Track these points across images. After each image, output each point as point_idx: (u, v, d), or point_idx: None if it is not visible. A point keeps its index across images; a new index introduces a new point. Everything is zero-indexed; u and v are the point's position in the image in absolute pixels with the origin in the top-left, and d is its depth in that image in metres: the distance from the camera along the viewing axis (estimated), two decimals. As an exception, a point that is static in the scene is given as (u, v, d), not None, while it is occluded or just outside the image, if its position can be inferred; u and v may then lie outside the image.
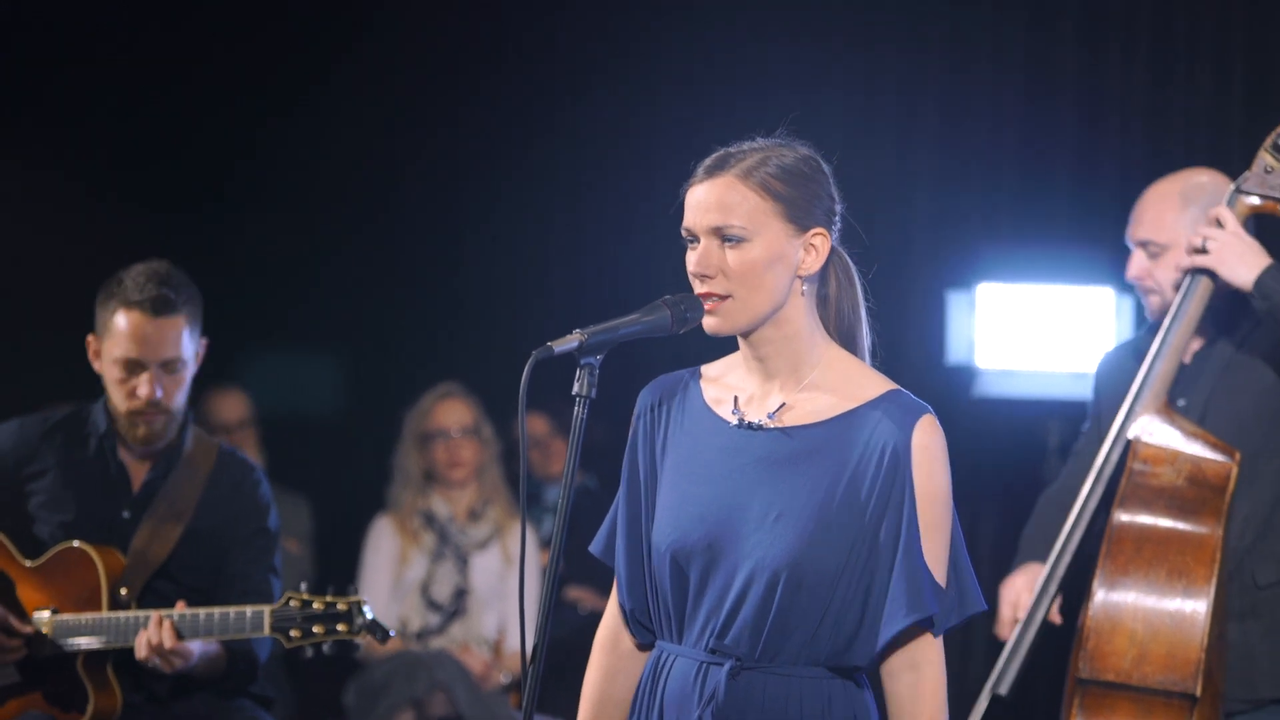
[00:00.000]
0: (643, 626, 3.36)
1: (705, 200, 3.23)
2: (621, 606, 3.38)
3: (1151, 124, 7.07)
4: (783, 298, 3.23)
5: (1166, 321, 4.70)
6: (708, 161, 3.26)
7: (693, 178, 3.27)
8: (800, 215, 3.22)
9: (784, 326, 3.25)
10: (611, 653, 3.44)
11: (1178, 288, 4.71)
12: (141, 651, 4.54)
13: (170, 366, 4.72)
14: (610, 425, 7.86)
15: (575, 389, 3.19)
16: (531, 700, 3.04)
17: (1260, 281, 4.54)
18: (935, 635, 3.18)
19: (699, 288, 3.24)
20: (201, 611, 4.58)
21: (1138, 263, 4.86)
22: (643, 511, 3.37)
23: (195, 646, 4.58)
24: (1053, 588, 4.73)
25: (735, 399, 3.31)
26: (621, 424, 7.97)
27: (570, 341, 3.17)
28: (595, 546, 3.45)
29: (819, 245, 3.24)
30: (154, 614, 4.56)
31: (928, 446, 3.18)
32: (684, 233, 3.27)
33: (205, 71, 8.03)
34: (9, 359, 7.75)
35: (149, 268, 4.75)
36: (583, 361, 3.18)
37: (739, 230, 3.20)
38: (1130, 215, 4.90)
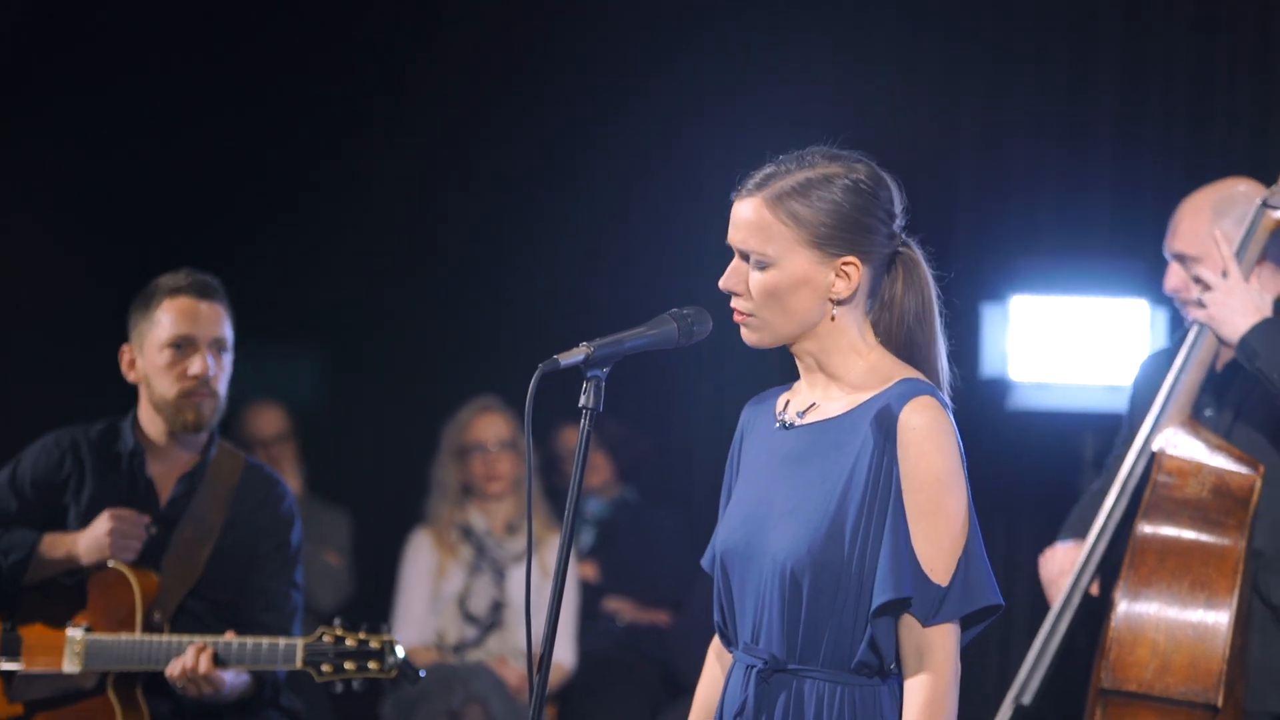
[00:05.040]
0: (724, 635, 3.38)
1: (737, 219, 3.25)
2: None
3: (1189, 135, 7.04)
4: (811, 319, 3.23)
5: (1179, 361, 4.69)
6: (754, 176, 3.26)
7: (737, 190, 3.27)
8: (830, 243, 3.20)
9: (820, 341, 3.25)
10: (714, 663, 3.46)
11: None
12: (174, 671, 4.57)
13: (218, 347, 4.78)
14: (657, 439, 7.93)
15: (582, 401, 3.20)
16: (539, 707, 3.05)
17: (1243, 341, 4.51)
18: (927, 624, 3.12)
19: (732, 301, 3.26)
20: (235, 640, 4.62)
21: (1175, 274, 4.84)
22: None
23: (228, 677, 4.61)
24: (1076, 598, 4.73)
25: (786, 403, 3.34)
26: (665, 439, 7.98)
27: (576, 355, 3.19)
28: (703, 561, 3.44)
29: (850, 273, 3.21)
30: (196, 642, 4.59)
31: (916, 427, 3.13)
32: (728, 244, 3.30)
33: (251, 93, 8.08)
34: (37, 377, 7.79)
35: (184, 271, 4.84)
36: (589, 374, 3.20)
37: (760, 256, 3.21)
38: (1167, 227, 4.90)
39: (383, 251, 8.30)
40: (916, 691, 3.14)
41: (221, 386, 4.82)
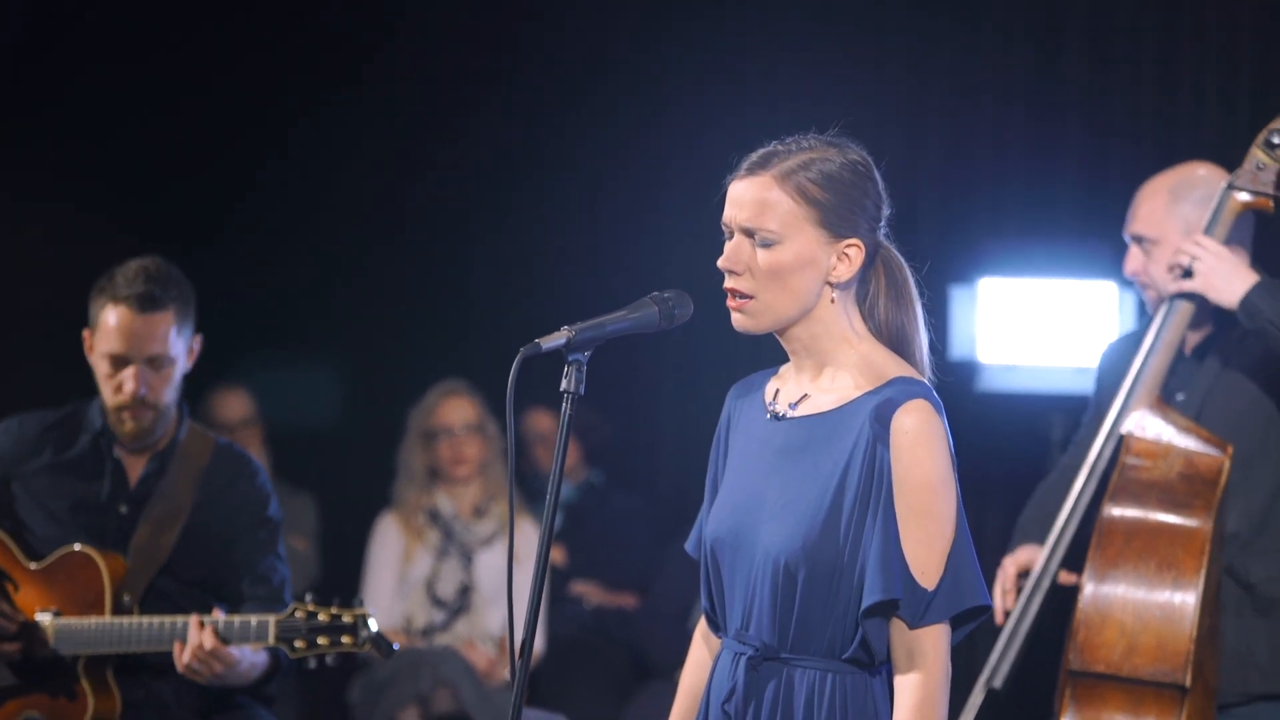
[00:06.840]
0: (712, 621, 3.39)
1: (742, 198, 3.22)
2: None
3: (1156, 118, 7.06)
4: (810, 302, 3.22)
5: (1147, 343, 4.71)
6: (753, 156, 3.25)
7: (736, 171, 3.26)
8: (835, 224, 3.20)
9: (813, 326, 3.25)
10: (702, 646, 3.47)
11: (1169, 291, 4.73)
12: (185, 657, 4.55)
13: (156, 363, 4.73)
14: (623, 423, 7.92)
15: (563, 385, 3.18)
16: (520, 693, 3.05)
17: (1246, 300, 4.55)
18: (914, 626, 3.14)
19: (727, 282, 3.24)
20: (206, 620, 4.60)
21: (1135, 258, 4.87)
22: (710, 508, 3.40)
23: (240, 654, 4.59)
24: (1046, 582, 4.74)
25: (776, 392, 3.33)
26: (632, 423, 7.96)
27: (558, 338, 3.18)
28: (688, 545, 3.46)
29: (852, 256, 3.21)
30: (193, 619, 4.57)
31: (908, 430, 3.13)
32: (722, 226, 3.26)
33: (216, 80, 8.05)
34: (10, 358, 7.77)
35: (141, 264, 4.76)
36: (570, 358, 3.19)
37: (769, 234, 3.19)
38: (1127, 211, 4.92)
39: (349, 237, 8.28)
40: (907, 692, 3.16)
41: (166, 395, 4.76)
